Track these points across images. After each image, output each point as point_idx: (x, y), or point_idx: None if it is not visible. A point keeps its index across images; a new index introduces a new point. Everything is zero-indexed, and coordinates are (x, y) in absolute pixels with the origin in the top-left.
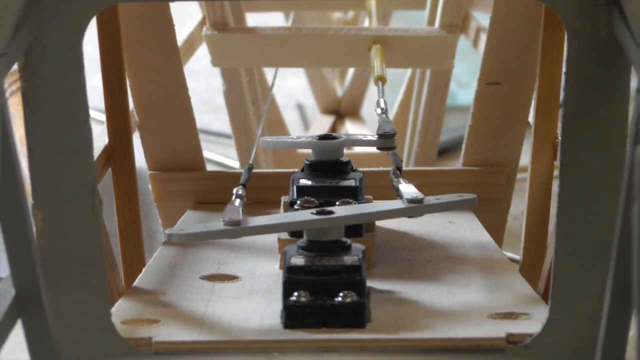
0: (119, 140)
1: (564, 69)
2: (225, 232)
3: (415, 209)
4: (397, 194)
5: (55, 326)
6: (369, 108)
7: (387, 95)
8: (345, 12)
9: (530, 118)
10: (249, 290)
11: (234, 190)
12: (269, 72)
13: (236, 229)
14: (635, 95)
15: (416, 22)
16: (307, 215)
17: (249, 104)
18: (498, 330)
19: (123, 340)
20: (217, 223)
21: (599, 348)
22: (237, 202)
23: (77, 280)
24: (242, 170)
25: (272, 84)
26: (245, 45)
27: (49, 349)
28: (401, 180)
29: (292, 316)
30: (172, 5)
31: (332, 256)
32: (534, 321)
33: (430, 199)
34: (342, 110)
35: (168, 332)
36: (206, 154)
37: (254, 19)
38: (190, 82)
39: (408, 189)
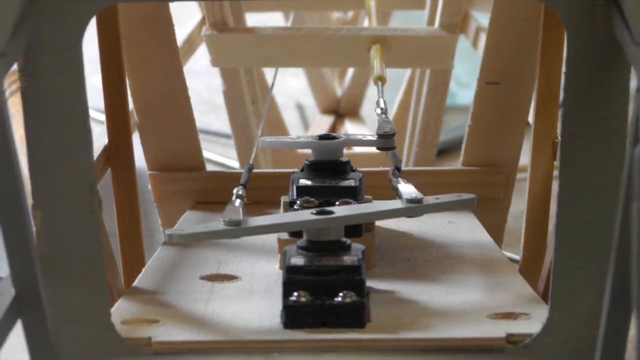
0: (118, 140)
1: (563, 69)
2: (226, 232)
3: (414, 209)
4: (396, 194)
5: (55, 326)
6: (369, 108)
7: (387, 95)
8: (345, 12)
9: (530, 118)
10: (248, 291)
11: (234, 191)
12: (268, 72)
13: (236, 229)
14: (635, 95)
15: (416, 22)
16: (307, 215)
17: (248, 104)
18: (498, 330)
19: (122, 340)
20: (217, 223)
21: (598, 348)
22: (237, 202)
23: (76, 280)
24: (242, 170)
25: (272, 84)
26: (245, 45)
27: (49, 349)
28: (400, 180)
29: (292, 316)
30: (172, 5)
31: (332, 256)
32: (533, 321)
33: (430, 199)
34: (342, 110)
35: (167, 332)
36: (206, 154)
37: (254, 19)
38: (190, 82)
39: (407, 189)
